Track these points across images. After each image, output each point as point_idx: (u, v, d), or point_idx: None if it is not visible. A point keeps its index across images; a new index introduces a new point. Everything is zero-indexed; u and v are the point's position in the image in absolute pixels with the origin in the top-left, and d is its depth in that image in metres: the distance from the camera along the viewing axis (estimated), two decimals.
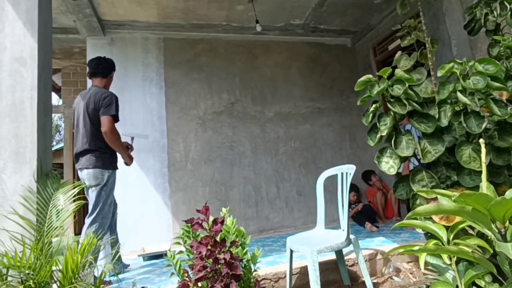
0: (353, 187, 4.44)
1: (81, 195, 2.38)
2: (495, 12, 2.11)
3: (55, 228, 1.66)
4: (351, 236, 2.17)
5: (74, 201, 1.97)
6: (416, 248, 0.77)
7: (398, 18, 3.88)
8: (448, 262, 0.92)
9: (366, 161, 4.71)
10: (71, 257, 1.48)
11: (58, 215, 1.68)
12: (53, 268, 1.62)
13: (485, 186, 0.77)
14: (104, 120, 2.60)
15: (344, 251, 2.40)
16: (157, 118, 4.07)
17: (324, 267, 2.47)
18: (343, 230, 2.20)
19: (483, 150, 0.85)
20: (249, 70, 4.65)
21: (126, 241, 3.35)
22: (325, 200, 2.53)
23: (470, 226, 1.01)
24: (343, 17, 4.56)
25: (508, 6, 2.07)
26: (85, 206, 3.82)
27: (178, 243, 1.75)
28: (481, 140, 0.87)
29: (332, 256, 2.47)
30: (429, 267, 1.25)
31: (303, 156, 4.66)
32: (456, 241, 0.88)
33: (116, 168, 2.78)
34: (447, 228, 1.01)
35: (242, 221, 4.16)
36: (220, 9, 3.99)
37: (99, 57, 2.94)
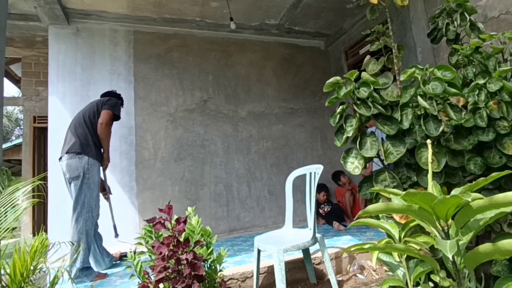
0: (323, 187, 4.53)
1: (40, 192, 2.24)
2: (455, 23, 2.22)
3: (3, 230, 1.53)
4: (318, 235, 2.20)
5: (33, 197, 1.85)
6: (366, 246, 0.79)
7: (369, 23, 4.00)
8: (398, 259, 0.96)
9: (336, 162, 4.82)
10: (19, 260, 1.38)
11: (7, 215, 1.56)
12: (1, 271, 1.51)
13: (430, 185, 0.80)
14: (104, 113, 2.78)
15: (312, 249, 2.44)
16: (125, 114, 3.90)
17: (292, 265, 2.49)
18: (310, 229, 2.22)
19: (430, 150, 0.89)
20: (223, 68, 4.60)
21: None
22: (296, 199, 2.55)
23: None
24: (317, 20, 4.63)
25: (468, 17, 2.19)
26: (46, 204, 3.61)
27: (140, 243, 1.68)
28: (428, 141, 0.91)
29: (299, 255, 2.50)
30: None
31: (275, 155, 4.68)
32: (406, 239, 0.91)
33: (98, 159, 2.79)
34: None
35: (212, 220, 4.11)
36: (193, 4, 3.91)
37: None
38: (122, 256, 3.10)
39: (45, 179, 3.17)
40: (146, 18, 4.09)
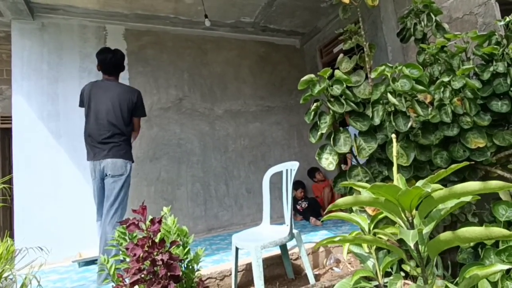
0: (300, 184, 4.60)
1: (4, 196, 2.12)
2: (422, 23, 2.32)
3: None
4: (294, 231, 2.23)
5: None
6: (337, 238, 0.82)
7: (342, 22, 4.09)
8: (367, 250, 1.00)
9: (312, 158, 4.89)
10: None
11: None
12: None
13: (396, 178, 0.84)
14: (138, 123, 2.91)
15: (289, 245, 2.47)
16: None
17: (270, 262, 2.51)
18: (287, 225, 2.25)
19: (394, 144, 0.93)
20: (198, 66, 4.54)
21: (60, 246, 3.08)
22: (274, 196, 2.57)
23: None
24: (292, 18, 4.68)
25: (434, 18, 2.29)
26: (12, 209, 3.41)
27: (113, 246, 1.64)
28: (393, 135, 0.95)
29: (277, 251, 2.52)
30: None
31: (252, 153, 4.69)
32: (375, 230, 0.95)
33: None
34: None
35: (190, 220, 4.06)
36: (167, 0, 3.83)
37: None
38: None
39: (10, 182, 3.00)
40: (118, 14, 3.95)
